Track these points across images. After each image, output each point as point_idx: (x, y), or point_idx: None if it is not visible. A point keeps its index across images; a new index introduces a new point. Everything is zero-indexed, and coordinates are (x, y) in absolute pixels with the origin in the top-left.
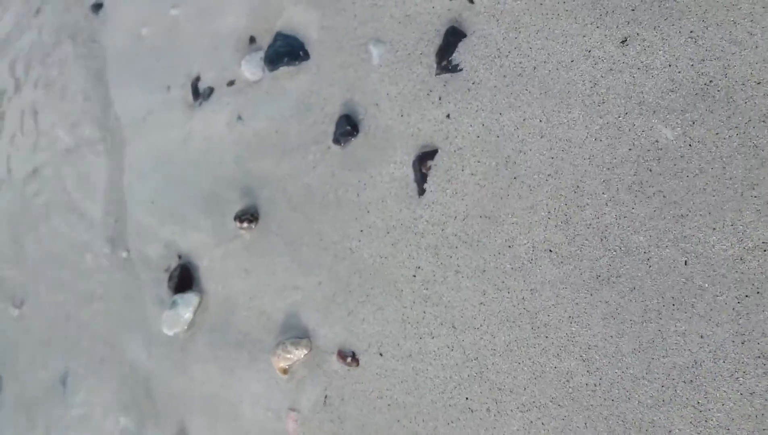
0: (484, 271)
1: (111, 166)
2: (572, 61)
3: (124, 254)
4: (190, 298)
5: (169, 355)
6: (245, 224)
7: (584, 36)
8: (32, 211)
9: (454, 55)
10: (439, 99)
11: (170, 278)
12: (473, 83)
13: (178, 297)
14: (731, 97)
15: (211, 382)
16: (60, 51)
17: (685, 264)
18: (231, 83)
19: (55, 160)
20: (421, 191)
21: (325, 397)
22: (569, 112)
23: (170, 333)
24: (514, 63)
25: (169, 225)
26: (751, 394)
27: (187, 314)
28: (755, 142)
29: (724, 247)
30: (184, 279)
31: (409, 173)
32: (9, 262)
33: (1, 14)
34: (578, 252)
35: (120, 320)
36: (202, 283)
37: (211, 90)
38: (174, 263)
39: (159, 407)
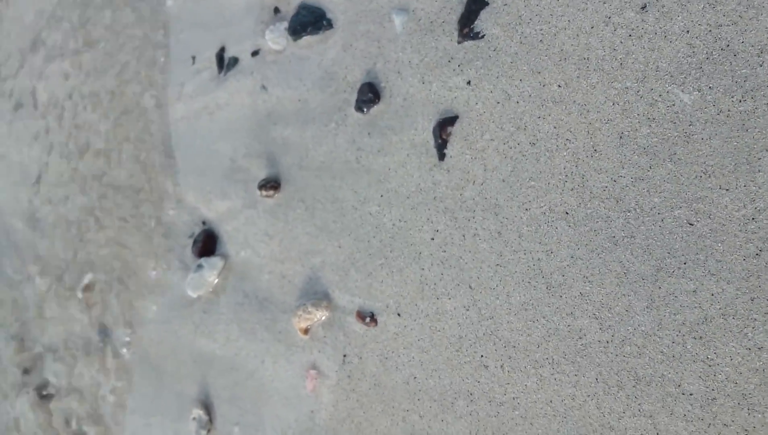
0: (501, 233)
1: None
2: (592, 27)
3: (152, 221)
4: (215, 262)
5: (192, 316)
6: (270, 192)
7: (604, 2)
8: (55, 176)
9: (476, 22)
10: (460, 66)
11: (194, 243)
12: (494, 50)
13: (204, 260)
14: (747, 62)
15: (233, 342)
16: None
17: (693, 225)
18: (255, 53)
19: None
20: (441, 157)
21: (344, 356)
22: (588, 78)
23: (194, 295)
24: (535, 30)
25: (193, 192)
26: (759, 348)
27: (212, 277)
28: None
29: (737, 207)
30: (207, 244)
31: (430, 139)
32: (27, 223)
33: None
34: (594, 214)
35: (144, 282)
36: (226, 247)
37: (235, 60)
38: (198, 229)
39: (182, 368)
